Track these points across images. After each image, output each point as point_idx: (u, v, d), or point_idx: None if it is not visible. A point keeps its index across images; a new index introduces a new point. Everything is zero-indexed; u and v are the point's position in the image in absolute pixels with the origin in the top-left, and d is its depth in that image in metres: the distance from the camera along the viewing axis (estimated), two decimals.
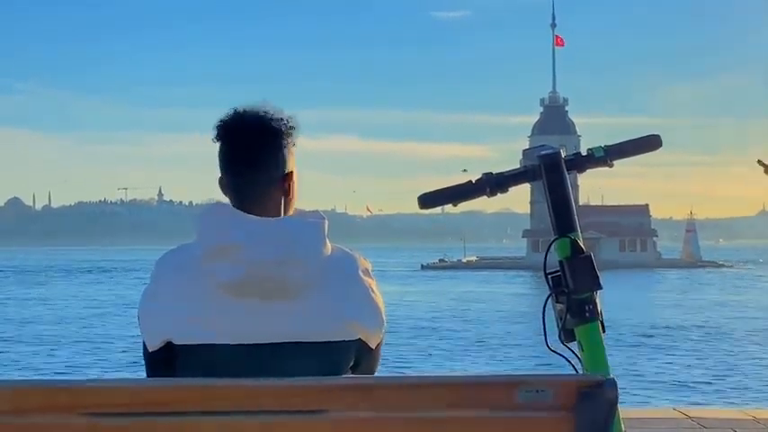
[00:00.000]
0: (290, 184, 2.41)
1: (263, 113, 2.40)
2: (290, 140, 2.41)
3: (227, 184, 2.40)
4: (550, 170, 2.48)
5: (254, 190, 2.37)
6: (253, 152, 2.37)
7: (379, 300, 2.35)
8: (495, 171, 2.59)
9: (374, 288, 2.34)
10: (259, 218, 2.32)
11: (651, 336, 34.33)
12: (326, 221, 2.33)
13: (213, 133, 2.41)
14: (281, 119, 2.41)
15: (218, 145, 2.41)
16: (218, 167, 2.42)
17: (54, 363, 27.49)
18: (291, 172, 2.41)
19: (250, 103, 2.43)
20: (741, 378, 23.56)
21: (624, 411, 2.28)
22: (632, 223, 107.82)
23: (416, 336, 34.08)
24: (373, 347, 2.34)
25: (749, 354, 28.82)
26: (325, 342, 2.24)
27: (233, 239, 2.25)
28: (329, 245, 2.31)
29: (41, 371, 25.70)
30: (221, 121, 2.41)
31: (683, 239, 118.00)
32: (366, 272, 2.35)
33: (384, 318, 2.35)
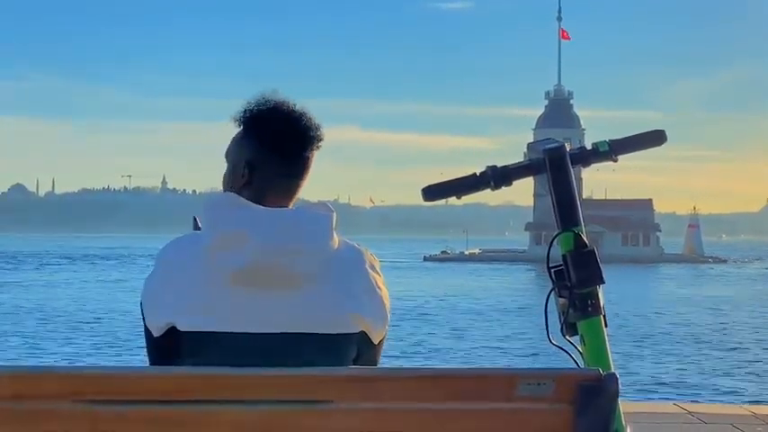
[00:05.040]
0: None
1: (304, 115, 2.42)
2: (318, 147, 2.44)
3: (255, 182, 2.39)
4: (555, 164, 2.48)
5: (283, 191, 2.39)
6: (293, 155, 2.40)
7: (385, 295, 2.34)
8: (499, 164, 2.58)
9: (380, 283, 2.34)
10: (266, 208, 2.32)
11: (651, 331, 34.34)
12: (335, 214, 2.33)
13: (244, 117, 2.42)
14: (318, 124, 2.43)
15: (241, 127, 2.42)
16: (238, 148, 2.42)
17: (54, 349, 27.52)
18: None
19: (269, 94, 2.43)
20: (741, 373, 23.56)
21: (625, 406, 2.28)
22: (635, 218, 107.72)
23: (418, 328, 34.10)
24: (376, 342, 2.33)
25: (749, 350, 28.82)
26: (327, 334, 2.24)
27: (240, 228, 2.25)
28: (336, 238, 2.31)
29: (41, 357, 25.73)
30: (260, 109, 2.42)
31: (685, 235, 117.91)
32: (372, 267, 2.34)
33: (388, 313, 2.35)
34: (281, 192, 2.39)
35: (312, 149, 2.43)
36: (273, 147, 2.40)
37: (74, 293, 50.89)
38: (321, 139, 2.44)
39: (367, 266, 2.33)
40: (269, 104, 2.42)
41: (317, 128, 2.43)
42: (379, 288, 2.33)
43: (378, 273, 2.35)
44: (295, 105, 2.43)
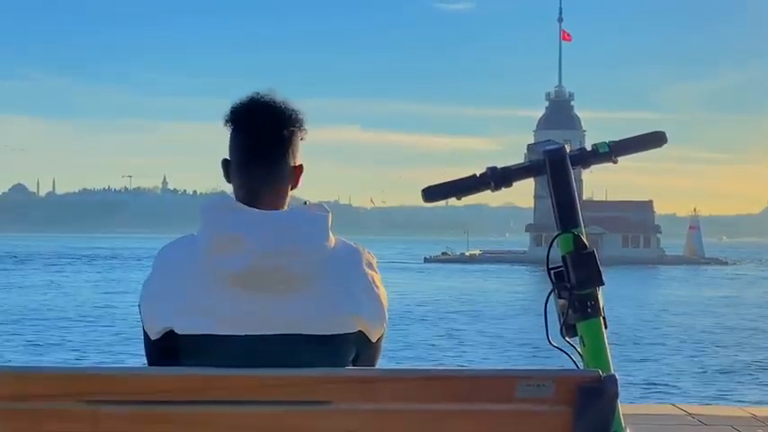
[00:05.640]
0: (298, 177, 2.44)
1: (281, 105, 2.42)
2: (302, 134, 2.44)
3: (238, 172, 2.40)
4: (555, 166, 2.48)
5: (267, 183, 2.38)
6: (270, 145, 2.39)
7: (382, 293, 2.34)
8: (499, 165, 2.58)
9: (377, 282, 2.34)
10: (262, 210, 2.32)
11: (651, 332, 34.32)
12: (330, 214, 2.33)
13: (227, 117, 2.42)
14: (297, 111, 2.43)
15: (228, 128, 2.43)
16: (229, 151, 2.43)
17: (55, 349, 27.51)
18: (301, 165, 2.44)
19: (261, 91, 2.44)
20: (741, 375, 23.56)
21: (624, 407, 2.28)
22: (636, 219, 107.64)
23: (418, 329, 34.09)
24: (374, 341, 2.34)
25: (749, 351, 28.81)
26: (326, 335, 2.24)
27: (236, 231, 2.25)
28: (333, 238, 2.31)
29: (42, 356, 25.73)
30: (238, 107, 2.42)
31: (686, 236, 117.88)
32: (369, 265, 2.34)
33: (386, 312, 2.35)
34: (271, 192, 2.38)
35: (293, 141, 2.40)
36: (245, 137, 2.39)
37: (75, 293, 50.86)
38: (294, 121, 2.41)
39: (364, 265, 2.33)
40: (245, 105, 2.42)
41: (289, 116, 2.41)
42: (376, 287, 2.33)
43: (375, 271, 2.35)
44: (261, 97, 2.41)
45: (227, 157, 2.43)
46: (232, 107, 2.43)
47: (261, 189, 2.38)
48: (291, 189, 2.43)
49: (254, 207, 2.32)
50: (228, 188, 2.46)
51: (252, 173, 2.38)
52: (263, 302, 2.22)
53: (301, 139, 2.44)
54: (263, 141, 2.39)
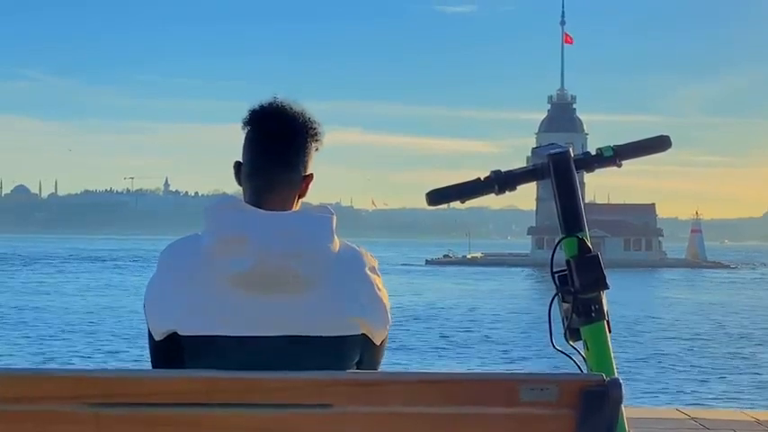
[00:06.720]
0: (307, 185, 2.44)
1: (299, 113, 2.43)
2: (317, 144, 2.45)
3: (248, 174, 2.41)
4: (560, 169, 2.47)
5: (275, 187, 2.39)
6: (284, 150, 2.40)
7: (385, 297, 2.35)
8: (501, 168, 2.58)
9: (380, 285, 2.35)
10: (267, 212, 2.32)
11: (653, 335, 34.32)
12: (335, 217, 2.33)
13: (245, 119, 2.44)
14: (315, 122, 2.44)
15: (245, 131, 2.44)
16: (242, 153, 2.43)
17: (58, 351, 27.53)
18: (312, 174, 2.45)
19: (281, 97, 2.45)
20: (743, 378, 23.56)
21: (627, 411, 2.28)
22: (638, 222, 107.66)
23: (419, 332, 34.10)
24: (377, 344, 2.34)
25: (752, 355, 28.81)
26: (329, 337, 2.24)
27: (240, 232, 2.25)
28: (337, 240, 2.31)
29: (45, 355, 25.75)
30: (256, 110, 2.44)
31: (688, 239, 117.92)
32: (372, 269, 2.35)
33: (389, 315, 2.35)
34: (279, 196, 2.38)
35: (307, 150, 2.42)
36: (260, 140, 2.41)
37: (77, 294, 50.89)
38: (310, 129, 2.43)
39: (367, 269, 2.34)
40: (265, 108, 2.44)
41: (306, 125, 2.42)
42: (379, 290, 2.34)
43: (377, 274, 2.36)
44: (280, 102, 2.43)
45: (240, 160, 2.44)
46: (250, 110, 2.44)
47: (269, 192, 2.38)
48: (299, 198, 2.43)
49: (259, 209, 2.33)
50: (233, 190, 2.47)
51: (263, 175, 2.39)
52: (266, 304, 2.22)
53: (316, 149, 2.45)
54: (277, 145, 2.40)
